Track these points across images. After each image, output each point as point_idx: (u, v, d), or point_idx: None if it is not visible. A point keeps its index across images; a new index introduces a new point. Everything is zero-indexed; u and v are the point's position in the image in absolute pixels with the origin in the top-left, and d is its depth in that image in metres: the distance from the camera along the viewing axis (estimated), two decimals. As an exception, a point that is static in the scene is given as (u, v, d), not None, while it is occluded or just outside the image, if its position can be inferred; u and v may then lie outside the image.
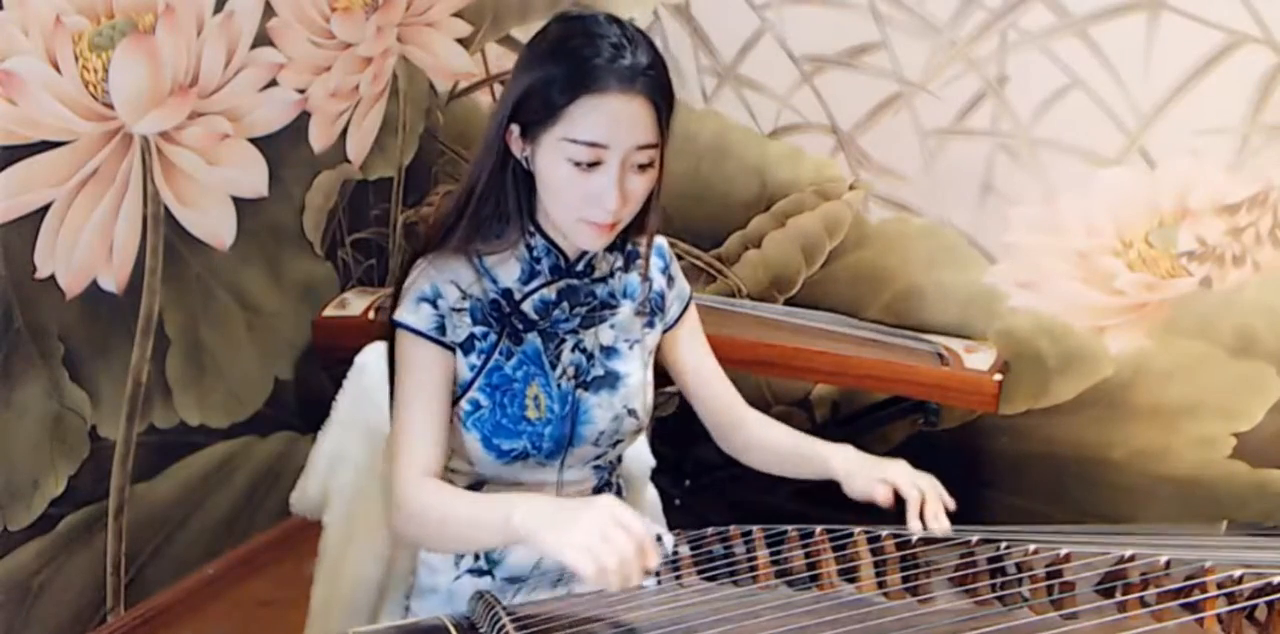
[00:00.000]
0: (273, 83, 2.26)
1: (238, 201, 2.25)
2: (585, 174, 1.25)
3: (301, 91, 2.33)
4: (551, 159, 1.26)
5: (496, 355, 1.36)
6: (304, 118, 2.36)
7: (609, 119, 1.22)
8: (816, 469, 1.44)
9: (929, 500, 1.33)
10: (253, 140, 2.25)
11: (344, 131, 2.49)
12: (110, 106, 1.95)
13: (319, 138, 2.42)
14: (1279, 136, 2.06)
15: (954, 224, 2.34)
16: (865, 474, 1.38)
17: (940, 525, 1.31)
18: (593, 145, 1.23)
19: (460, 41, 2.67)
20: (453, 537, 1.29)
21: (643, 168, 1.27)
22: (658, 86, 1.25)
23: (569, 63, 1.23)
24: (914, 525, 1.31)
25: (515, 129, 1.29)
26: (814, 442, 1.48)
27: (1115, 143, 2.17)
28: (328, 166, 2.47)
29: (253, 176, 2.28)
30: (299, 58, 2.30)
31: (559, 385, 1.37)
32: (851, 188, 2.40)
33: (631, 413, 1.42)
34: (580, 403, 1.38)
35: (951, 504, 1.35)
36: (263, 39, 2.21)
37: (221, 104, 2.15)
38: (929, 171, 2.33)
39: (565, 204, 1.28)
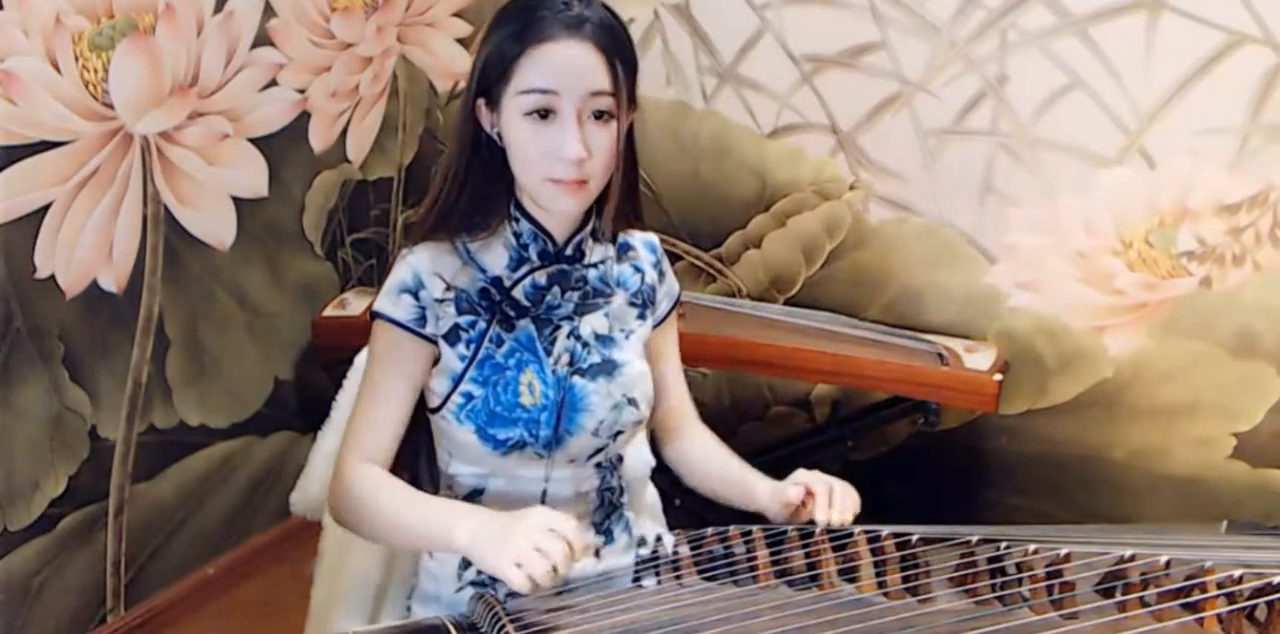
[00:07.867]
0: (273, 83, 2.26)
1: (238, 201, 2.25)
2: (544, 128, 1.26)
3: (301, 91, 2.33)
4: (511, 118, 1.27)
5: (487, 343, 1.34)
6: (304, 118, 2.36)
7: (556, 65, 1.24)
8: (742, 497, 1.44)
9: (837, 494, 1.35)
10: (253, 140, 2.25)
11: (344, 131, 2.49)
12: (110, 106, 1.95)
13: (319, 138, 2.42)
14: (1279, 136, 2.06)
15: (954, 224, 2.34)
16: (780, 486, 1.39)
17: (843, 517, 1.33)
18: (543, 92, 1.25)
19: (460, 41, 2.67)
20: (385, 531, 1.30)
21: (602, 119, 1.27)
22: (608, 37, 1.26)
23: (518, 20, 1.26)
24: (820, 517, 1.33)
25: (482, 102, 1.31)
26: (749, 471, 1.47)
27: (1115, 143, 2.17)
28: (328, 166, 2.47)
29: (253, 176, 2.28)
30: (299, 58, 2.30)
31: (553, 372, 1.35)
32: (851, 188, 2.40)
33: (632, 402, 1.40)
34: (576, 390, 1.36)
35: (857, 505, 1.37)
36: (263, 39, 2.21)
37: (221, 104, 2.15)
38: (929, 171, 2.33)
39: (530, 164, 1.28)
